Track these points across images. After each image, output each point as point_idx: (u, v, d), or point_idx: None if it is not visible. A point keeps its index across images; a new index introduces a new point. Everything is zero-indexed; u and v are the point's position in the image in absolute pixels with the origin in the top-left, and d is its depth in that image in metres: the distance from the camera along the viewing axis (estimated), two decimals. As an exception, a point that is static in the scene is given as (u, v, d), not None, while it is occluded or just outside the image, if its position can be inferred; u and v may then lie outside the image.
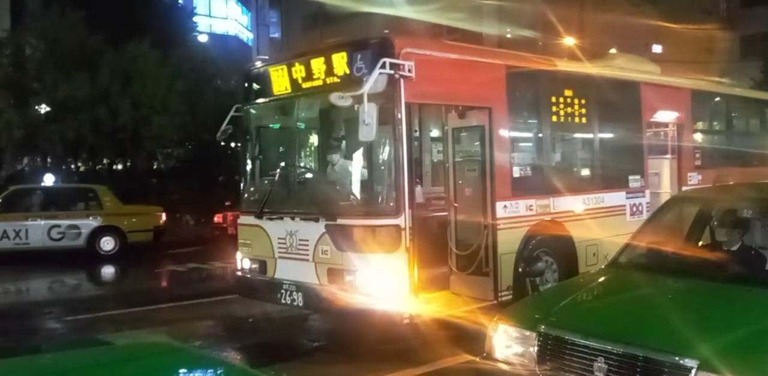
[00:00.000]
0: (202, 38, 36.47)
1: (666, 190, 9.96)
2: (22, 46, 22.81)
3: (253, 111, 8.32)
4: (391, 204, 6.65)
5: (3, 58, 22.29)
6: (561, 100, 8.49)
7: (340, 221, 6.85)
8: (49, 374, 2.82)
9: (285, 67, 7.63)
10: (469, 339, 6.05)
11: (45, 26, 22.14)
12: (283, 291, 7.41)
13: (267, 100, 8.12)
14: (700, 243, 5.78)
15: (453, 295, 7.12)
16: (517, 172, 7.85)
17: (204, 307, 9.77)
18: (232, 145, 18.56)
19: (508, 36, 32.89)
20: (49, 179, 17.74)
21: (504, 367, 4.42)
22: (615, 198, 9.00)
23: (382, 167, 6.84)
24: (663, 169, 10.13)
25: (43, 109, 21.93)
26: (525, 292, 7.41)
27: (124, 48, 22.28)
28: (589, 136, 8.99)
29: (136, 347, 3.51)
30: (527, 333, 4.36)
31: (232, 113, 8.32)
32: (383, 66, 6.40)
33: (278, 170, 7.85)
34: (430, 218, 7.12)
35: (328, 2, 26.40)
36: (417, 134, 7.18)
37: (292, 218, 7.40)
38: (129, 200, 17.23)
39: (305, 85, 7.42)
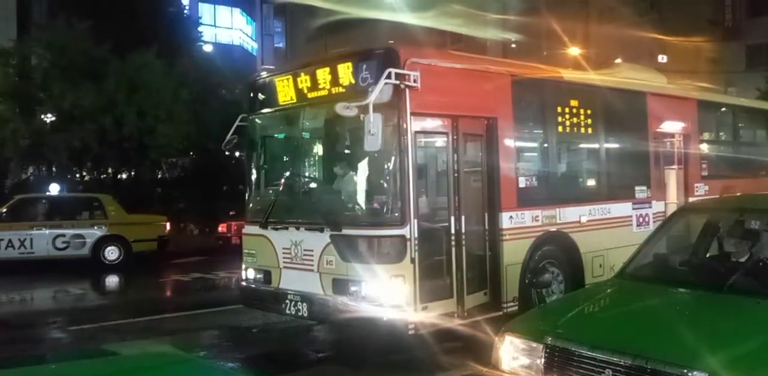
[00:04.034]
0: (207, 48, 36.67)
1: (672, 200, 9.92)
2: (28, 56, 22.91)
3: (258, 121, 8.32)
4: (397, 214, 6.63)
5: (9, 67, 22.38)
6: (566, 110, 8.48)
7: (345, 231, 6.83)
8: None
9: (290, 77, 7.64)
10: (475, 350, 6.01)
11: (51, 36, 22.25)
12: (287, 301, 7.38)
13: (272, 110, 8.13)
14: (708, 254, 5.74)
15: (458, 306, 7.08)
16: (522, 183, 7.84)
17: (208, 317, 9.75)
18: (237, 154, 18.59)
19: (513, 46, 32.99)
20: (54, 188, 17.78)
21: (510, 379, 4.39)
22: (621, 209, 8.96)
23: (388, 177, 6.82)
24: (669, 179, 10.09)
25: (49, 118, 21.99)
26: (531, 303, 7.36)
27: (129, 58, 22.36)
28: (595, 146, 8.98)
29: (141, 357, 3.51)
30: (534, 345, 4.33)
31: (237, 123, 8.33)
32: (389, 76, 6.40)
33: (283, 180, 7.83)
34: (436, 228, 7.09)
35: (331, 9, 26.50)
36: (422, 144, 7.17)
37: (297, 228, 7.37)
38: (133, 210, 17.26)
39: (310, 95, 7.43)
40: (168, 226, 17.09)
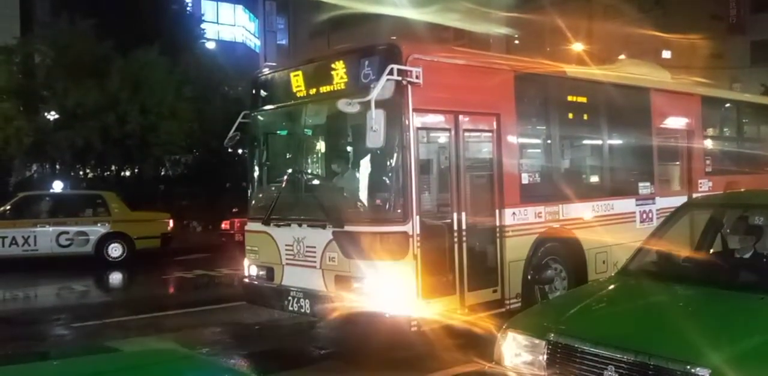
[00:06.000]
0: (210, 45, 36.70)
1: (676, 197, 9.87)
2: (31, 54, 22.97)
3: (260, 117, 8.32)
4: (399, 211, 6.62)
5: (13, 65, 22.44)
6: (570, 106, 8.45)
7: (347, 228, 6.82)
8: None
9: (292, 74, 7.64)
10: (478, 347, 6.00)
11: (55, 34, 22.30)
12: (290, 298, 7.39)
13: (274, 106, 8.12)
14: (712, 250, 5.73)
15: (461, 302, 7.07)
16: (525, 179, 7.82)
17: (211, 314, 9.75)
18: (240, 151, 18.62)
19: (516, 42, 32.92)
20: (57, 186, 17.81)
21: (513, 375, 4.38)
22: (625, 205, 8.94)
23: (390, 174, 6.81)
24: (673, 175, 10.06)
25: (53, 116, 22.04)
26: (534, 300, 7.34)
27: (132, 55, 22.40)
28: (599, 142, 8.95)
29: (144, 354, 3.50)
30: (536, 341, 4.32)
31: (239, 120, 8.33)
32: (391, 72, 6.38)
33: (285, 177, 7.82)
34: (438, 224, 7.08)
35: (335, 5, 26.49)
36: (425, 140, 7.15)
37: (300, 225, 7.38)
38: (136, 207, 17.28)
39: (313, 92, 7.42)
40: (171, 223, 17.09)
